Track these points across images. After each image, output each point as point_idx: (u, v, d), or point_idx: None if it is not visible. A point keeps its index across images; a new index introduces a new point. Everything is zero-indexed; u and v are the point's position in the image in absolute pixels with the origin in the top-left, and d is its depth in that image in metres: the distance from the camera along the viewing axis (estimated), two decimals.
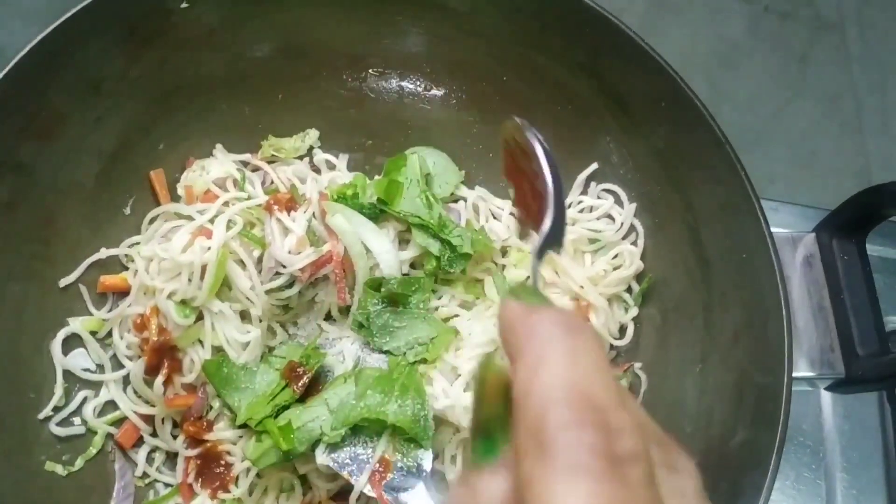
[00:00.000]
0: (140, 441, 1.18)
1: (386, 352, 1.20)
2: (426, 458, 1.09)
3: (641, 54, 1.15)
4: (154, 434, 1.17)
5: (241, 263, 1.18)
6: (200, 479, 1.15)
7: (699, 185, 1.18)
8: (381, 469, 1.08)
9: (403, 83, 1.35)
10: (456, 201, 1.34)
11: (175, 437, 1.17)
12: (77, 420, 1.14)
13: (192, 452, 1.15)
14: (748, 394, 1.08)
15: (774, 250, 1.07)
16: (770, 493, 0.97)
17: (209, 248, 1.14)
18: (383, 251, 1.22)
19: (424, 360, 1.18)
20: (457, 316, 1.25)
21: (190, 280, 1.14)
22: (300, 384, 1.13)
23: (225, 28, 1.23)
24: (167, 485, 1.17)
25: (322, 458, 1.09)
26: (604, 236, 1.28)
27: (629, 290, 1.28)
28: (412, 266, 1.27)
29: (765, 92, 3.51)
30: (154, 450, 1.18)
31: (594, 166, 1.31)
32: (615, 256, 1.27)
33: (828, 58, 3.64)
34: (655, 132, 1.21)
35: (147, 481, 1.17)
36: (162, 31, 1.18)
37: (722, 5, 3.79)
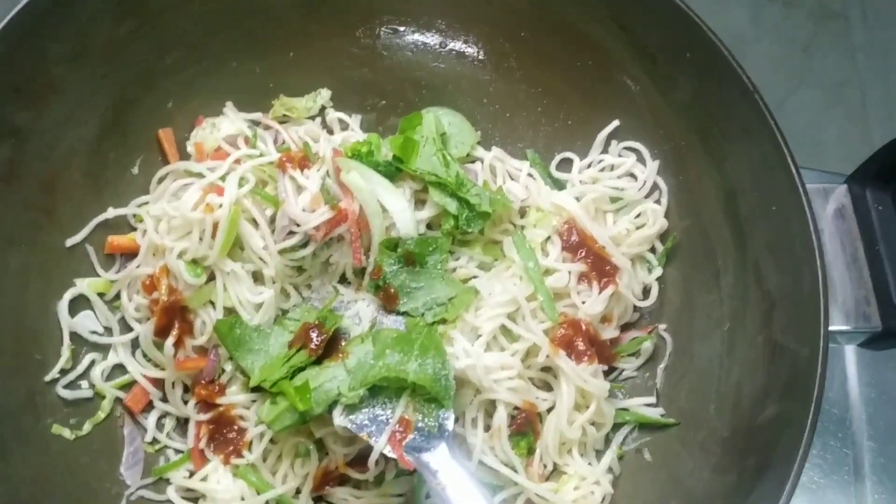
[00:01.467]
0: (150, 406, 1.14)
1: (403, 313, 1.16)
2: (448, 418, 1.05)
3: (667, 5, 1.12)
4: (164, 399, 1.14)
5: (254, 222, 1.14)
6: (212, 445, 1.11)
7: (727, 138, 1.14)
8: (401, 430, 1.04)
9: (417, 37, 1.31)
10: (472, 162, 1.30)
11: (186, 402, 1.13)
12: (84, 383, 1.11)
13: (204, 417, 1.11)
14: (779, 361, 1.04)
15: (808, 202, 1.03)
16: (802, 466, 0.94)
17: (220, 205, 1.11)
18: (399, 210, 1.18)
19: (443, 321, 1.14)
20: (475, 277, 1.21)
21: (201, 239, 1.10)
22: (317, 345, 1.09)
23: None
24: (178, 451, 1.14)
25: (340, 419, 1.05)
26: (626, 195, 1.24)
27: (653, 249, 1.24)
28: (429, 226, 1.23)
29: (769, 81, 3.47)
30: (164, 415, 1.15)
31: (615, 123, 1.27)
32: (638, 215, 1.23)
33: (831, 47, 3.61)
34: (681, 85, 1.17)
35: (157, 447, 1.13)
36: None
37: None
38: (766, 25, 3.66)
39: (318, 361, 1.10)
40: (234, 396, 1.12)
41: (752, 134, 1.09)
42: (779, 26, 3.68)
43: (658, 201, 1.24)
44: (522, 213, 1.26)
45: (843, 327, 1.04)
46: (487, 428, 1.12)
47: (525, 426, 1.12)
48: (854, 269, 1.05)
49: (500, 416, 1.10)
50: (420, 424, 1.05)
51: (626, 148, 1.27)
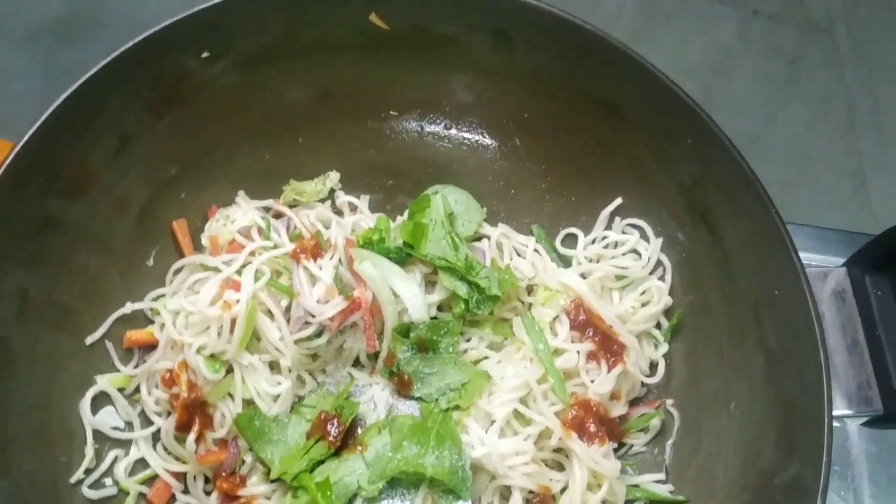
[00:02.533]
0: (172, 499, 1.16)
1: (418, 398, 1.19)
2: None
3: (667, 92, 1.15)
4: (186, 491, 1.16)
5: (270, 314, 1.16)
6: None
7: (728, 221, 1.17)
8: None
9: (423, 123, 1.34)
10: (479, 239, 1.33)
11: (208, 494, 1.16)
12: (108, 481, 1.13)
13: None
14: (785, 434, 1.08)
15: (809, 289, 1.06)
16: None
17: (238, 301, 1.13)
18: (411, 296, 1.21)
19: (458, 407, 1.17)
20: (486, 358, 1.24)
21: (219, 334, 1.13)
22: (335, 437, 1.12)
23: (244, 79, 1.23)
24: None
25: None
26: (631, 272, 1.27)
27: (658, 325, 1.27)
28: (439, 309, 1.26)
29: (758, 96, 3.52)
30: None
31: (618, 201, 1.30)
32: (643, 293, 1.27)
33: (818, 60, 3.65)
34: (682, 168, 1.20)
35: None
36: (183, 84, 1.18)
37: (711, 11, 3.79)
38: (752, 40, 3.70)
39: (337, 452, 1.13)
40: (255, 488, 1.14)
41: (752, 219, 1.12)
42: (766, 40, 3.72)
43: (662, 278, 1.27)
44: (530, 290, 1.29)
45: (846, 412, 1.07)
46: None
47: None
48: (855, 353, 1.09)
49: (516, 502, 1.13)
50: None
51: (629, 225, 1.30)
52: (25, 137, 1.03)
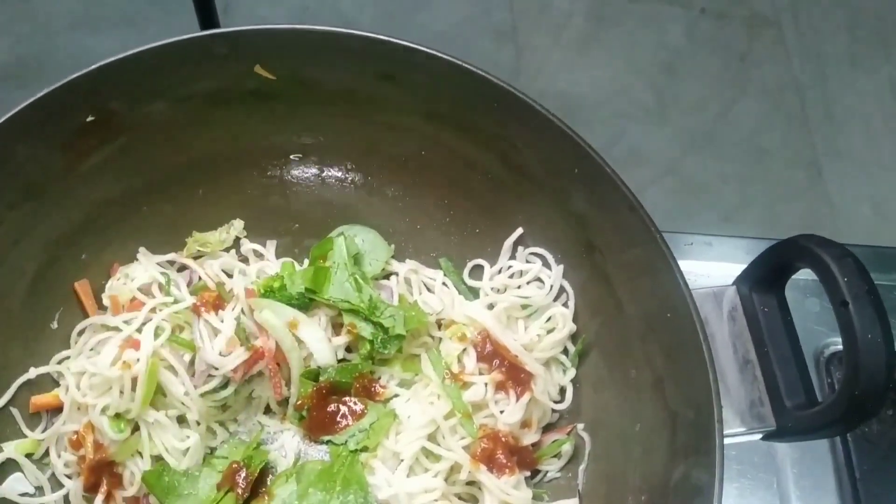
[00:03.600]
0: None
1: (327, 441, 1.20)
2: None
3: (550, 125, 1.17)
4: None
5: (173, 369, 1.17)
6: None
7: (617, 248, 1.19)
8: None
9: (323, 167, 1.36)
10: (388, 276, 1.34)
11: None
12: None
13: None
14: (682, 452, 1.09)
15: (696, 312, 1.08)
16: None
17: (138, 360, 1.14)
18: (316, 340, 1.22)
19: (365, 448, 1.18)
20: (397, 396, 1.25)
21: (122, 393, 1.13)
22: (242, 488, 1.13)
23: (138, 137, 1.23)
24: None
25: None
26: (535, 301, 1.29)
27: (566, 351, 1.29)
28: (348, 350, 1.27)
29: (710, 93, 3.56)
30: None
31: (519, 231, 1.32)
32: (548, 319, 1.28)
33: (767, 54, 3.71)
34: (572, 198, 1.22)
35: None
36: (71, 148, 1.18)
37: (659, 12, 3.84)
38: (701, 38, 3.75)
39: (246, 503, 1.14)
40: None
41: (640, 246, 1.14)
42: (714, 38, 3.77)
43: (566, 304, 1.29)
44: (439, 324, 1.31)
45: (739, 429, 1.08)
46: None
47: None
48: (746, 371, 1.11)
49: None
50: None
51: (532, 253, 1.32)
52: None
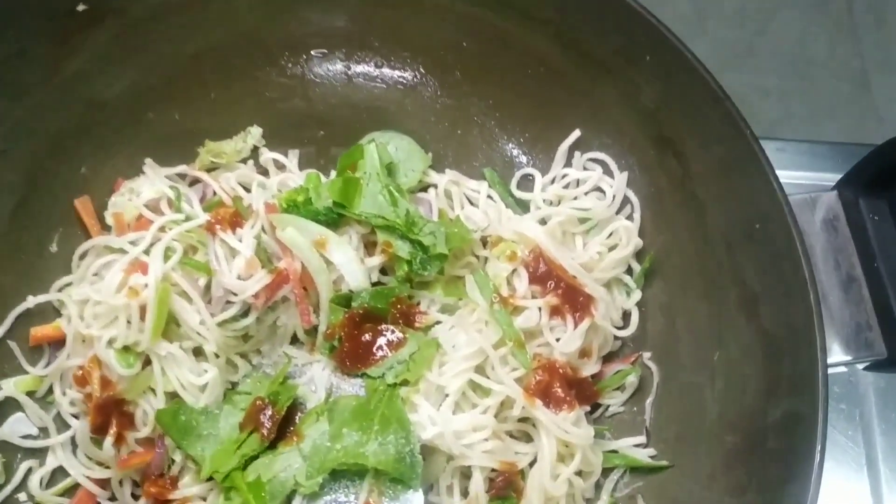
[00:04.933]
0: None
1: (362, 374, 1.07)
2: (416, 502, 0.96)
3: (619, 4, 0.99)
4: (113, 498, 1.05)
5: (186, 295, 1.03)
6: None
7: (697, 147, 1.03)
8: None
9: (350, 63, 1.19)
10: (425, 189, 1.19)
11: (137, 498, 1.04)
12: (22, 496, 1.02)
13: None
14: (776, 385, 0.95)
15: (793, 219, 0.92)
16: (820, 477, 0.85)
17: (146, 286, 1.00)
18: (346, 262, 1.07)
19: (406, 382, 1.04)
20: (439, 323, 1.11)
21: (129, 323, 1.00)
22: (268, 429, 1.00)
23: (138, 29, 1.07)
24: None
25: None
26: (594, 213, 1.13)
27: (629, 271, 1.13)
28: (383, 272, 1.13)
29: (750, 4, 3.31)
30: None
31: (576, 134, 1.15)
32: (610, 235, 1.13)
33: None
34: (643, 92, 1.05)
35: None
36: (61, 41, 1.02)
37: None
38: None
39: (273, 443, 1.01)
40: (188, 489, 1.03)
41: (725, 144, 0.98)
42: None
43: (630, 217, 1.13)
44: (484, 241, 1.16)
45: (844, 358, 0.94)
46: (465, 494, 1.03)
47: (505, 488, 1.03)
48: (852, 290, 0.95)
49: (477, 483, 1.01)
50: None
51: (590, 160, 1.15)
52: None
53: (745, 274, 0.99)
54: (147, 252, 1.04)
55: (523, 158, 1.20)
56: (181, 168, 1.15)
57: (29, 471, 1.03)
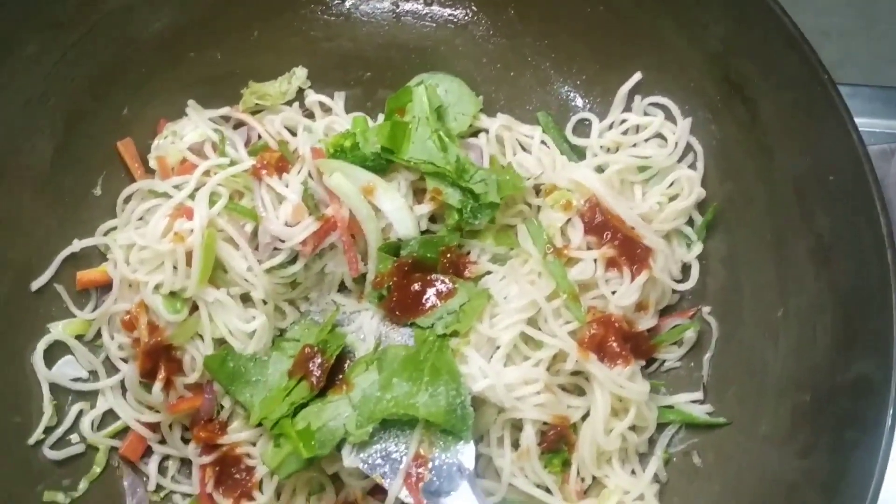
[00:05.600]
0: (149, 451, 1.05)
1: (411, 324, 1.04)
2: (467, 454, 0.94)
3: None
4: (162, 442, 1.05)
5: (233, 241, 1.01)
6: (221, 488, 1.03)
7: (768, 92, 0.98)
8: (417, 468, 0.94)
9: (399, 2, 1.14)
10: (476, 134, 1.14)
11: (187, 442, 1.05)
12: (74, 438, 1.03)
13: (207, 459, 1.03)
14: (845, 344, 0.91)
15: (871, 169, 0.87)
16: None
17: (191, 231, 0.98)
18: (395, 209, 1.04)
19: (455, 333, 1.02)
20: (489, 273, 1.07)
21: (176, 269, 0.99)
22: (317, 377, 0.99)
23: None
24: (185, 495, 1.06)
25: (350, 459, 0.96)
26: (655, 162, 1.08)
27: (690, 222, 1.08)
28: (432, 220, 1.09)
29: None
30: (166, 458, 1.06)
31: (637, 76, 1.10)
32: (671, 185, 1.08)
33: None
34: (710, 32, 0.99)
35: (163, 494, 1.06)
36: None
37: None
38: None
39: (322, 391, 1.00)
40: (237, 434, 1.03)
41: (798, 89, 0.93)
42: None
43: (693, 166, 1.08)
44: (537, 190, 1.11)
45: None
46: (516, 445, 1.01)
47: (557, 442, 1.01)
48: None
49: (528, 436, 0.99)
50: (437, 462, 0.94)
51: (651, 104, 1.10)
52: None
53: (816, 227, 0.94)
54: (192, 197, 1.02)
55: (579, 102, 1.15)
56: (225, 110, 1.12)
57: (80, 413, 1.03)
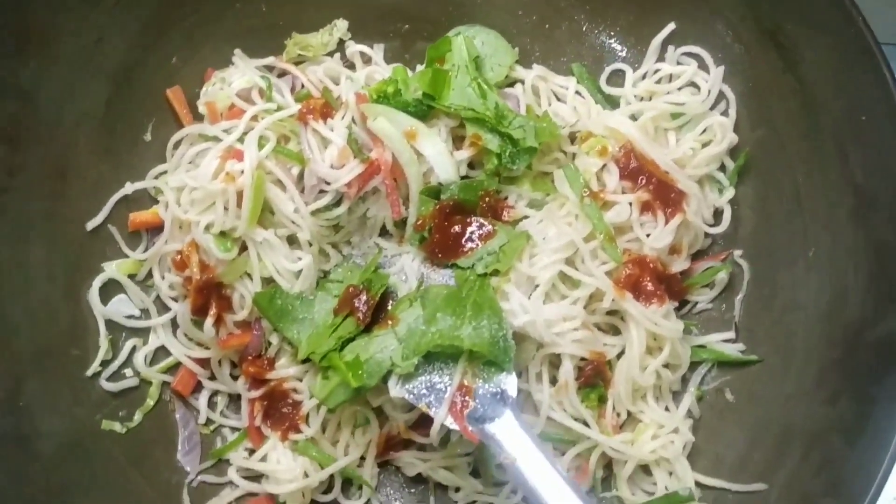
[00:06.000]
0: (199, 386, 1.09)
1: (452, 265, 1.08)
2: (510, 383, 0.98)
3: None
4: (213, 377, 1.09)
5: (281, 184, 1.05)
6: (269, 421, 1.06)
7: (804, 39, 1.00)
8: (462, 397, 0.98)
9: None
10: (512, 84, 1.17)
11: (236, 379, 1.08)
12: (129, 372, 1.06)
13: (256, 394, 1.06)
14: (878, 284, 0.94)
15: None
16: None
17: (241, 172, 1.01)
18: (436, 154, 1.07)
19: (496, 272, 1.05)
20: (526, 217, 1.10)
21: (227, 209, 1.02)
22: (363, 313, 1.02)
23: None
24: (234, 429, 1.10)
25: (396, 390, 0.99)
26: (688, 108, 1.10)
27: (723, 168, 1.11)
28: (470, 166, 1.12)
29: None
30: (215, 393, 1.10)
31: (671, 27, 1.12)
32: (704, 131, 1.10)
33: None
34: None
35: (212, 427, 1.10)
36: None
37: None
38: None
39: (367, 328, 1.04)
40: (285, 370, 1.06)
41: (834, 35, 0.95)
42: None
43: (725, 113, 1.11)
44: (573, 138, 1.14)
45: None
46: (554, 381, 1.04)
47: (594, 377, 1.04)
48: None
49: (567, 370, 1.02)
50: (481, 391, 0.98)
51: (684, 54, 1.13)
52: None
53: (851, 175, 0.96)
54: (241, 140, 1.05)
55: (613, 53, 1.17)
56: (269, 60, 1.15)
57: (133, 348, 1.07)
